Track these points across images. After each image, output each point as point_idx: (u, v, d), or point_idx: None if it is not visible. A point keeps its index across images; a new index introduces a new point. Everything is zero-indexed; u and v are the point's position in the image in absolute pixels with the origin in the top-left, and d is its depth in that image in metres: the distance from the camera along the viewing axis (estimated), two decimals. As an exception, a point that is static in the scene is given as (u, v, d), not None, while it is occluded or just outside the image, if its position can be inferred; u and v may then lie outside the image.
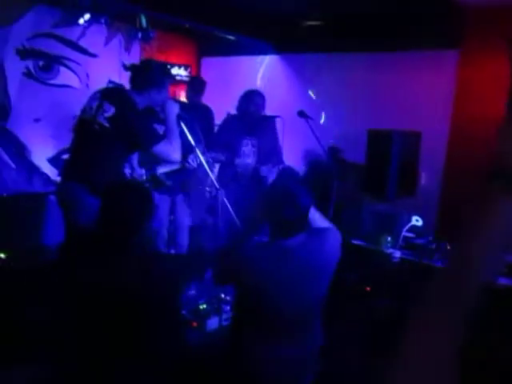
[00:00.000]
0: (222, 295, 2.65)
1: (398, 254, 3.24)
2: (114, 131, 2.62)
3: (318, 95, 5.14)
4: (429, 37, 4.24)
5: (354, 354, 2.71)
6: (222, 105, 4.32)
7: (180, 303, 2.49)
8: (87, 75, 5.02)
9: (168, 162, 3.16)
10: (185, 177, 3.55)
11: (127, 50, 5.39)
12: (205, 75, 5.82)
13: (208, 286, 2.68)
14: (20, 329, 2.62)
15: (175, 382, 2.03)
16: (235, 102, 4.01)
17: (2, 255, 3.79)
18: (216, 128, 4.35)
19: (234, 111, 4.06)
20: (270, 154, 4.08)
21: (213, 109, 4.58)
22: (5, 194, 4.37)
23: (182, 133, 2.96)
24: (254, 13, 4.54)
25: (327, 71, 5.14)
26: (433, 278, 0.75)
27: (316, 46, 5.09)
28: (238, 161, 3.97)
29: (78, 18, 4.56)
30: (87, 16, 4.53)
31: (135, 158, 3.33)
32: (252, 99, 3.91)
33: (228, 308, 2.59)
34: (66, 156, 4.25)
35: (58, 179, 3.68)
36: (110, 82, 5.15)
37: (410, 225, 3.33)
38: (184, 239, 3.93)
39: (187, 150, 3.17)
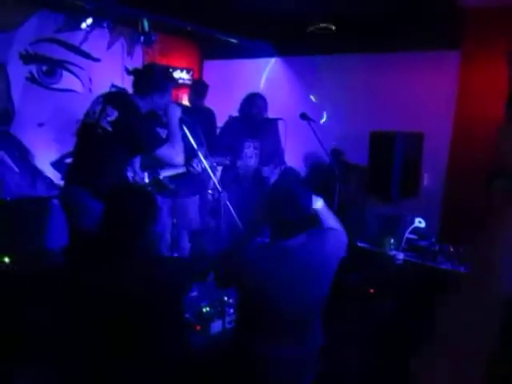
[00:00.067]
0: (225, 298, 2.65)
1: (401, 255, 3.23)
2: (116, 135, 2.63)
3: (320, 97, 5.15)
4: (430, 37, 4.24)
5: (358, 355, 2.70)
6: (224, 108, 4.33)
7: (183, 306, 2.49)
8: (90, 79, 5.04)
9: (171, 165, 3.16)
10: (188, 180, 3.55)
11: (130, 53, 5.41)
12: (207, 78, 5.83)
13: (211, 289, 2.68)
14: (24, 332, 2.62)
15: (179, 386, 2.03)
16: (237, 105, 4.03)
17: (6, 259, 3.80)
18: (218, 130, 4.36)
19: (236, 114, 4.07)
20: (272, 155, 4.09)
21: (215, 112, 4.59)
22: (8, 198, 4.39)
23: (184, 136, 2.97)
24: (255, 15, 4.55)
25: (329, 73, 5.15)
26: (453, 286, 0.75)
27: (317, 47, 5.10)
28: (240, 163, 3.98)
29: (80, 23, 4.58)
30: (90, 20, 4.55)
31: (137, 162, 3.34)
32: (254, 102, 3.93)
33: (231, 311, 2.58)
34: (69, 160, 4.27)
35: (62, 183, 3.69)
36: (113, 86, 5.18)
37: (412, 227, 3.32)
38: (187, 242, 3.93)
39: (191, 153, 3.17)
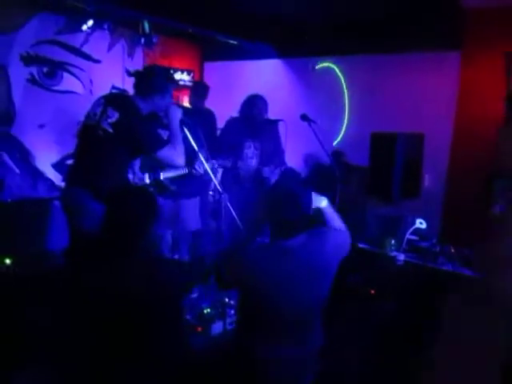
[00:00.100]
0: (226, 299, 2.65)
1: (402, 256, 3.23)
2: (117, 137, 2.63)
3: (321, 98, 5.15)
4: (431, 38, 4.25)
5: (359, 355, 2.70)
6: (224, 109, 4.34)
7: (184, 307, 2.49)
8: (91, 81, 5.05)
9: (172, 166, 3.17)
10: (189, 182, 3.56)
11: (130, 55, 5.42)
12: (207, 80, 5.84)
13: (212, 291, 2.68)
14: (25, 334, 2.63)
15: (180, 387, 2.03)
16: (238, 107, 4.04)
17: (7, 260, 3.81)
18: (219, 131, 4.37)
19: (236, 115, 4.08)
20: (273, 156, 4.10)
21: (216, 113, 4.60)
22: (9, 200, 4.39)
23: (185, 138, 2.97)
24: (256, 17, 4.56)
25: (330, 74, 5.15)
26: (463, 290, 0.75)
27: (318, 49, 5.11)
28: (240, 163, 3.99)
29: (81, 25, 4.59)
30: (90, 22, 4.57)
31: (137, 163, 3.34)
32: (254, 103, 3.94)
33: (232, 312, 2.58)
34: (70, 161, 4.28)
35: (62, 185, 3.69)
36: (114, 87, 5.19)
37: (413, 227, 3.32)
38: (187, 244, 3.94)
39: (192, 155, 3.17)
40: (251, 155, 4.06)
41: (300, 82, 5.45)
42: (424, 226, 3.29)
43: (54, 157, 4.87)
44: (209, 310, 2.57)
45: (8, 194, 4.45)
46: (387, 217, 3.61)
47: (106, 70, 5.17)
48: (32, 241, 4.21)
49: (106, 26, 4.77)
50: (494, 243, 0.71)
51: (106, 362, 1.75)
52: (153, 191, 3.21)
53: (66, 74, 4.87)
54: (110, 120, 2.63)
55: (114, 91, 5.02)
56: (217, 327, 2.53)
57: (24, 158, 4.68)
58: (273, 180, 3.92)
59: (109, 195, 1.94)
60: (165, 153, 2.74)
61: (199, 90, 4.69)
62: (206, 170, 3.30)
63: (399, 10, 4.23)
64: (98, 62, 5.11)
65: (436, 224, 4.06)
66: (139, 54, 5.49)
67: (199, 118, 3.86)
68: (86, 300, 1.75)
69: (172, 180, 3.45)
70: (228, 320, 2.57)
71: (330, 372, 2.22)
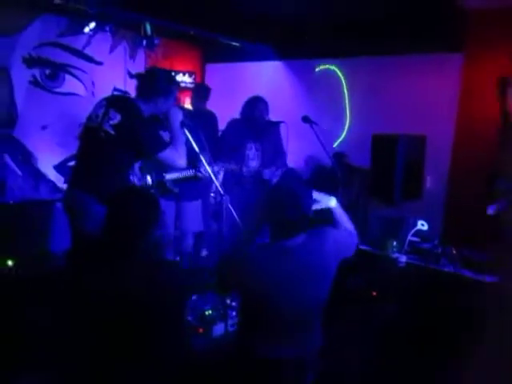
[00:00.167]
0: (228, 301, 2.65)
1: (403, 258, 3.23)
2: (119, 139, 2.64)
3: (322, 100, 5.15)
4: (432, 40, 4.25)
5: (361, 357, 2.70)
6: (226, 111, 4.34)
7: (186, 309, 2.49)
8: (93, 83, 5.06)
9: (174, 168, 3.17)
10: (191, 184, 3.56)
11: (132, 57, 5.43)
12: (209, 81, 5.85)
13: (213, 292, 2.68)
14: (26, 335, 2.63)
15: (182, 389, 2.03)
16: (239, 109, 4.04)
17: (9, 262, 3.81)
18: (220, 133, 4.37)
19: (238, 117, 4.09)
20: (274, 158, 4.10)
21: (217, 115, 4.60)
22: (11, 201, 4.40)
23: (187, 140, 2.98)
24: (257, 19, 4.56)
25: (331, 76, 5.16)
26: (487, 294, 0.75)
27: (319, 51, 5.11)
28: (242, 165, 3.99)
29: (83, 27, 4.60)
30: (92, 24, 4.57)
31: (137, 164, 3.33)
32: (256, 105, 3.94)
33: (234, 314, 2.59)
34: (72, 163, 4.28)
35: (65, 186, 3.70)
36: (116, 89, 5.20)
37: (415, 229, 3.32)
38: (189, 246, 3.94)
39: (196, 157, 3.17)
40: (252, 157, 4.07)
41: (301, 83, 5.45)
42: (426, 227, 3.29)
43: (56, 158, 4.88)
44: (210, 312, 2.57)
45: (10, 196, 4.46)
46: (389, 218, 3.61)
47: (108, 71, 5.18)
48: (34, 242, 4.22)
49: (107, 28, 4.78)
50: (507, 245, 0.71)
51: (107, 364, 1.75)
52: (155, 193, 3.21)
53: (68, 76, 4.89)
54: (111, 122, 2.64)
55: (115, 93, 5.03)
56: (218, 329, 2.53)
57: (26, 159, 4.70)
58: (274, 182, 3.93)
59: (110, 197, 1.95)
60: (166, 154, 2.74)
61: (201, 91, 4.69)
62: (209, 173, 3.30)
63: (400, 12, 4.23)
64: (99, 64, 5.12)
65: (438, 225, 4.05)
66: (141, 55, 5.50)
67: (201, 119, 3.87)
68: (87, 301, 1.75)
69: (175, 182, 3.45)
70: (229, 322, 2.57)
71: (332, 373, 2.22)
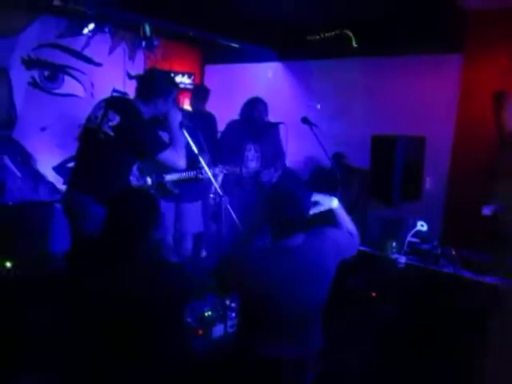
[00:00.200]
0: (228, 302, 2.65)
1: (403, 259, 3.23)
2: (118, 140, 2.63)
3: (322, 101, 5.15)
4: (431, 41, 4.25)
5: (360, 358, 2.70)
6: (225, 112, 4.35)
7: (186, 310, 2.49)
8: (92, 84, 5.06)
9: (174, 169, 3.16)
10: (191, 185, 3.55)
11: (131, 58, 5.43)
12: (208, 83, 5.85)
13: (213, 293, 2.68)
14: (26, 337, 2.63)
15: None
16: (238, 110, 4.04)
17: (8, 263, 3.81)
18: (220, 134, 4.37)
19: (237, 118, 4.09)
20: (273, 159, 4.11)
21: (216, 116, 4.60)
22: (11, 203, 4.40)
23: (187, 141, 2.98)
24: (256, 20, 4.56)
25: (331, 77, 5.16)
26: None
27: (319, 52, 5.11)
28: (241, 166, 3.99)
29: (82, 28, 4.61)
30: (91, 26, 4.58)
31: (136, 166, 3.33)
32: (255, 106, 3.95)
33: (233, 315, 2.59)
34: (71, 164, 4.28)
35: (64, 188, 3.70)
36: (115, 90, 5.20)
37: (414, 230, 3.31)
38: (189, 247, 3.94)
39: (196, 159, 3.17)
40: (252, 158, 4.07)
41: (300, 84, 5.45)
42: (425, 228, 3.29)
43: (56, 160, 4.88)
44: (210, 313, 2.57)
45: (9, 197, 4.46)
46: (388, 219, 3.61)
47: (107, 73, 5.18)
48: (33, 244, 4.21)
49: (107, 30, 4.78)
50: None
51: (107, 365, 1.75)
52: (155, 193, 3.21)
53: (67, 78, 4.89)
54: (111, 123, 2.64)
55: (115, 94, 5.03)
56: (218, 330, 2.53)
57: (25, 161, 4.69)
58: (272, 183, 3.93)
59: (110, 198, 1.95)
60: (166, 155, 2.74)
61: (200, 92, 4.70)
62: (211, 174, 3.30)
63: (399, 13, 4.23)
64: (99, 65, 5.12)
65: (437, 226, 4.06)
66: (140, 57, 5.50)
67: (200, 120, 3.87)
68: (87, 303, 1.75)
69: (175, 183, 3.44)
70: (229, 323, 2.57)
71: (332, 373, 2.22)
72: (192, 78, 6.04)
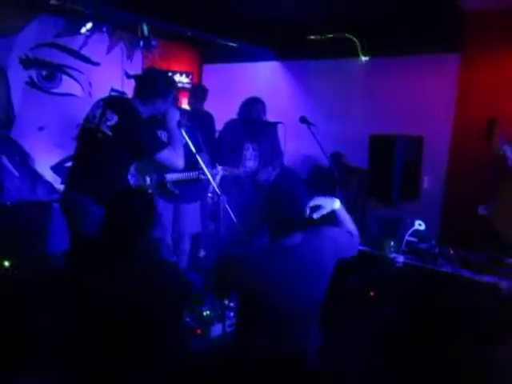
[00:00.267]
0: (226, 302, 2.65)
1: (401, 258, 3.23)
2: (117, 140, 2.63)
3: (320, 101, 5.16)
4: (430, 41, 4.26)
5: (358, 357, 2.71)
6: (223, 112, 4.35)
7: (184, 310, 2.49)
8: (90, 84, 5.05)
9: (172, 169, 3.16)
10: (190, 186, 3.55)
11: (129, 58, 5.43)
12: (206, 82, 5.85)
13: (211, 293, 2.68)
14: (25, 337, 2.62)
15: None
16: (237, 109, 4.05)
17: (6, 263, 3.80)
18: (218, 133, 4.37)
19: (235, 117, 4.09)
20: (272, 158, 4.11)
21: (214, 116, 4.60)
22: (8, 203, 4.39)
23: (185, 141, 2.97)
24: (255, 20, 4.56)
25: (329, 77, 5.16)
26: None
27: (317, 52, 5.11)
28: (239, 165, 4.00)
29: (80, 28, 4.59)
30: (89, 25, 4.57)
31: (134, 166, 3.32)
32: (253, 106, 3.95)
33: (232, 314, 2.59)
34: (69, 164, 4.28)
35: (62, 187, 3.69)
36: (113, 90, 5.19)
37: (412, 229, 3.32)
38: (187, 247, 3.93)
39: (195, 159, 3.16)
40: (250, 157, 4.08)
41: (299, 84, 5.46)
42: (423, 227, 3.30)
43: (54, 159, 4.87)
44: (208, 313, 2.57)
45: (7, 197, 4.45)
46: (386, 218, 3.62)
47: (105, 72, 5.17)
48: (31, 243, 4.21)
49: (104, 29, 4.77)
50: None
51: (106, 365, 1.75)
52: (153, 193, 3.20)
53: (65, 77, 4.88)
54: (109, 123, 2.63)
55: (113, 94, 5.02)
56: (216, 329, 2.53)
57: (23, 160, 4.68)
58: (269, 182, 3.94)
59: (108, 197, 1.95)
60: (165, 155, 2.74)
61: (198, 92, 4.70)
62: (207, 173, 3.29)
63: (398, 13, 4.23)
64: (97, 64, 5.11)
65: (435, 226, 4.06)
66: (138, 56, 5.49)
67: (198, 120, 3.87)
68: (86, 302, 1.75)
69: (175, 184, 3.43)
70: (227, 322, 2.57)
71: (330, 372, 2.22)
72: (190, 77, 6.04)
